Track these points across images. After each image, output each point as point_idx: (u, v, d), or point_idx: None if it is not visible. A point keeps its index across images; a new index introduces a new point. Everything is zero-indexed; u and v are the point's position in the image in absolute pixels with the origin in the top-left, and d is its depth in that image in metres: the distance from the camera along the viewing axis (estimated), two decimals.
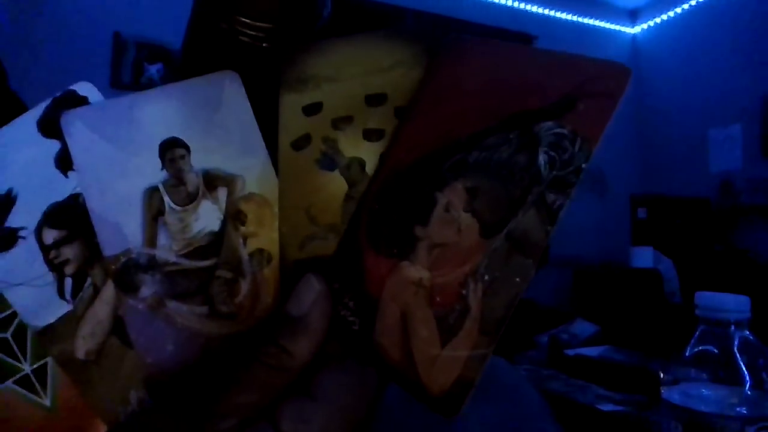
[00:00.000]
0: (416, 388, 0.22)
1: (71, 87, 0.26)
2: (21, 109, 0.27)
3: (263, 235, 0.26)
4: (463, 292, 0.21)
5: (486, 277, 0.21)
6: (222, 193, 0.26)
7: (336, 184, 0.25)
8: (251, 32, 0.28)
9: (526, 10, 3.18)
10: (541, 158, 0.21)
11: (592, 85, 0.21)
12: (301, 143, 0.26)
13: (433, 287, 0.22)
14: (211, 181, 0.26)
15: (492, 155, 0.22)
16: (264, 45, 0.28)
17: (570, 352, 1.69)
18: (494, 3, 3.10)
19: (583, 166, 0.20)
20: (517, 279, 0.21)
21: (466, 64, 0.25)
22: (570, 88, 0.21)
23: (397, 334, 0.22)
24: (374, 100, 0.26)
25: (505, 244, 0.21)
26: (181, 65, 0.28)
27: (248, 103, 0.26)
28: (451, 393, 0.21)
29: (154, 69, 2.49)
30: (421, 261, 0.22)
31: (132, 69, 2.47)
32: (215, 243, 0.26)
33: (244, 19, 0.28)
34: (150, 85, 2.42)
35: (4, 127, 0.26)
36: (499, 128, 0.22)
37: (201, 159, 0.26)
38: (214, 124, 0.26)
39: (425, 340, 0.22)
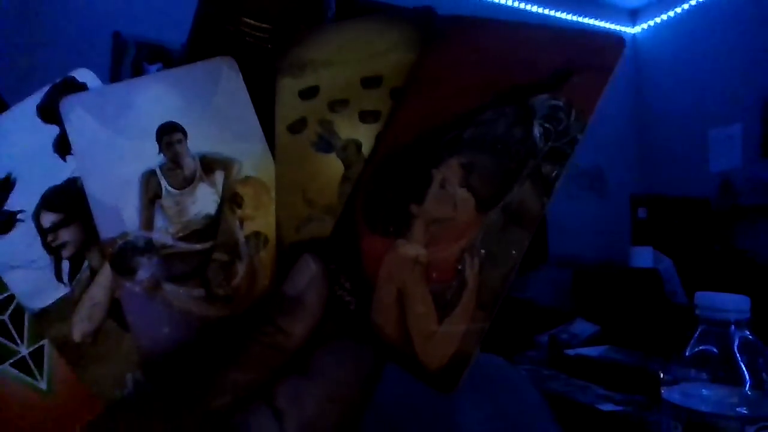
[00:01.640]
0: (414, 365, 0.22)
1: (70, 73, 0.27)
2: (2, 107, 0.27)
3: (260, 217, 0.26)
4: (460, 267, 0.21)
5: (482, 251, 0.21)
6: (219, 176, 0.26)
7: (332, 166, 0.25)
8: (257, 34, 0.29)
9: (526, 10, 3.19)
10: (536, 130, 0.21)
11: (586, 57, 0.21)
12: (297, 126, 0.26)
13: (429, 264, 0.22)
14: (208, 164, 0.26)
15: (487, 130, 0.22)
16: (269, 46, 0.29)
17: (570, 352, 1.70)
18: (494, 3, 3.11)
19: (579, 137, 0.20)
20: (514, 252, 0.21)
21: (459, 43, 0.25)
22: (564, 61, 0.21)
23: (394, 312, 0.22)
24: (370, 82, 0.26)
25: (501, 218, 0.21)
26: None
27: (245, 88, 0.27)
28: (449, 368, 0.21)
29: (154, 69, 2.49)
30: (417, 238, 0.23)
31: (132, 69, 2.47)
32: (212, 226, 0.26)
33: (249, 21, 0.29)
34: None
35: (4, 113, 0.26)
36: (493, 103, 0.22)
37: (198, 143, 0.26)
38: (211, 108, 0.26)
39: (422, 316, 0.22)
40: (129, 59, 2.46)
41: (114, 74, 2.42)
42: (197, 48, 0.31)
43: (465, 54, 0.24)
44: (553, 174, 0.21)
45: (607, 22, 3.40)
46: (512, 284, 0.20)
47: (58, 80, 0.26)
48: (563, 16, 3.27)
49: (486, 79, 0.23)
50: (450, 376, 0.21)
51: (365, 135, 0.25)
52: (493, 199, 0.21)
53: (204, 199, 0.26)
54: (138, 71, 2.47)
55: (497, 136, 0.22)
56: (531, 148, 0.21)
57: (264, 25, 0.29)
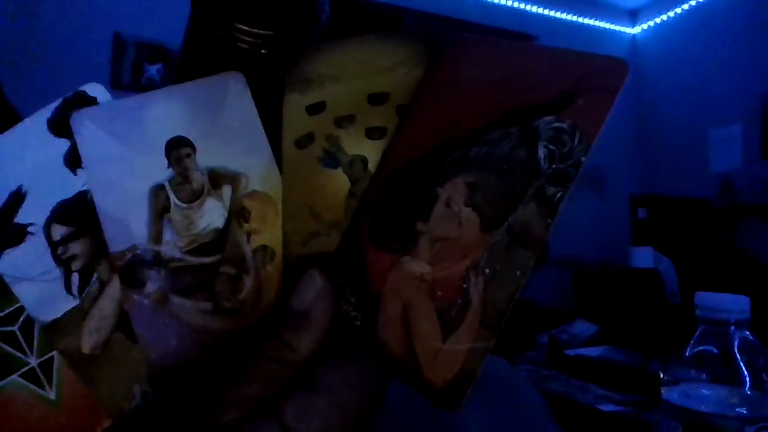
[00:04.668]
0: (418, 381, 0.22)
1: (81, 88, 0.27)
2: (15, 119, 0.27)
3: (267, 231, 0.26)
4: (465, 285, 0.22)
5: (487, 271, 0.21)
6: (226, 190, 0.26)
7: (339, 181, 0.26)
8: (250, 39, 0.29)
9: (526, 10, 3.19)
10: (541, 152, 0.22)
11: (590, 80, 0.21)
12: (304, 141, 0.26)
13: (434, 281, 0.22)
14: (216, 178, 0.26)
15: (492, 150, 0.22)
16: (263, 51, 0.29)
17: (570, 352, 1.70)
18: (494, 3, 3.11)
19: (583, 159, 0.21)
20: (518, 272, 0.21)
21: (466, 62, 0.25)
22: (569, 84, 0.22)
23: (399, 329, 0.22)
24: (377, 98, 0.26)
25: (506, 238, 0.21)
26: (180, 70, 0.29)
27: (252, 103, 0.27)
28: (453, 385, 0.21)
29: (154, 69, 2.49)
30: (422, 255, 0.23)
31: (132, 69, 2.47)
32: (219, 239, 0.26)
33: (242, 27, 0.29)
34: (150, 85, 2.41)
35: (15, 126, 0.27)
36: (499, 124, 0.23)
37: (206, 157, 0.26)
38: (219, 123, 0.27)
39: (427, 333, 0.22)
40: (129, 59, 2.46)
41: (114, 74, 2.42)
42: (191, 53, 0.32)
43: (471, 73, 0.25)
44: (558, 195, 0.21)
45: (607, 22, 3.40)
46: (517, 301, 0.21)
47: (69, 94, 0.27)
48: (563, 16, 3.26)
49: (492, 99, 0.23)
50: (454, 393, 0.21)
51: (371, 151, 0.26)
52: (497, 219, 0.22)
53: (212, 213, 0.26)
54: (138, 71, 2.47)
55: (502, 157, 0.22)
56: (535, 169, 0.21)
57: (256, 30, 0.29)
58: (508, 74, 0.24)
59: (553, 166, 0.21)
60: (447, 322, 0.22)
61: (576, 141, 0.21)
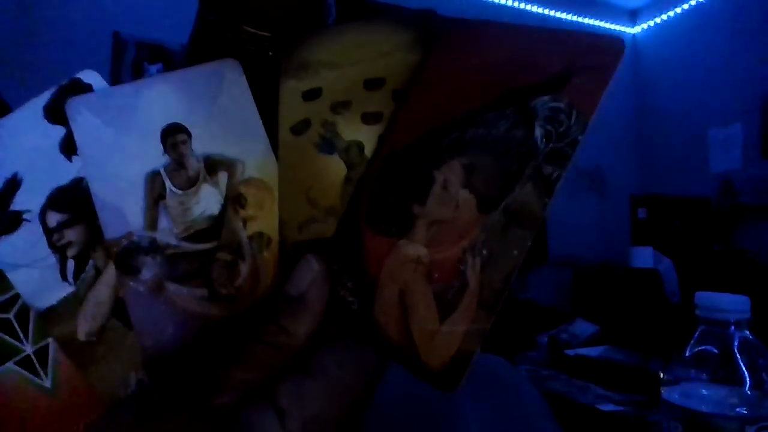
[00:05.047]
0: (416, 364, 0.22)
1: (77, 75, 0.27)
2: (5, 110, 0.27)
3: (263, 218, 0.26)
4: (461, 267, 0.22)
5: (484, 251, 0.21)
6: (222, 177, 0.26)
7: (335, 167, 0.26)
8: (257, 41, 0.29)
9: (526, 10, 3.19)
10: (538, 132, 0.21)
11: (586, 59, 0.21)
12: (300, 128, 0.26)
13: (431, 264, 0.22)
14: (212, 165, 0.26)
15: (489, 131, 0.22)
16: (270, 53, 0.29)
17: (570, 352, 1.69)
18: (494, 3, 3.11)
19: (580, 138, 0.21)
20: (515, 251, 0.21)
21: (461, 45, 0.25)
22: (565, 63, 0.22)
23: (396, 312, 0.22)
24: (373, 84, 0.26)
25: (503, 218, 0.21)
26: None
27: (249, 90, 0.27)
28: (451, 368, 0.21)
29: (154, 69, 2.49)
30: (419, 238, 0.23)
31: (132, 69, 2.47)
32: (215, 226, 0.26)
33: (250, 29, 0.29)
34: None
35: (10, 114, 0.26)
36: (495, 105, 0.23)
37: (202, 144, 0.26)
38: (216, 110, 0.27)
39: (424, 316, 0.22)
40: (129, 59, 2.46)
41: (114, 74, 2.42)
42: (197, 54, 0.32)
43: (467, 56, 0.24)
44: (554, 175, 0.21)
45: (607, 22, 3.40)
46: (513, 284, 0.21)
47: (64, 81, 0.27)
48: (563, 16, 3.27)
49: (488, 81, 0.23)
50: (452, 375, 0.21)
51: (368, 136, 0.26)
52: (494, 200, 0.22)
53: (208, 200, 0.26)
54: (138, 71, 2.47)
55: (499, 138, 0.22)
56: (532, 149, 0.21)
57: (264, 33, 0.29)
58: (503, 56, 0.24)
59: (550, 145, 0.21)
60: (444, 305, 0.22)
61: (573, 120, 0.21)
